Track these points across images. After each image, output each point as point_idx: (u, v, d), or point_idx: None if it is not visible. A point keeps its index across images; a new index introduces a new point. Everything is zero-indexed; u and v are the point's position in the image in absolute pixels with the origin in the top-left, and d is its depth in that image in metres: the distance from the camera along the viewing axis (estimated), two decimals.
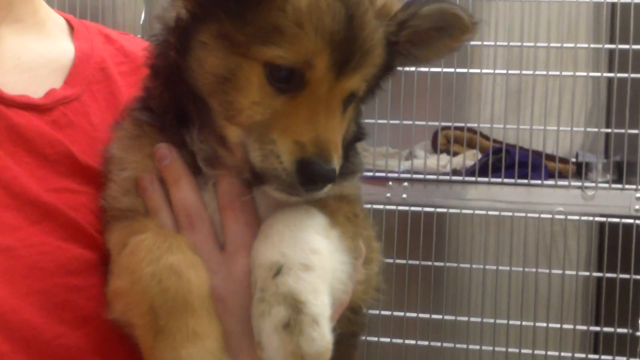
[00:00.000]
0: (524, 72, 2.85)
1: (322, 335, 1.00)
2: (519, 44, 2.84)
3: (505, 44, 2.85)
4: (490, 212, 2.80)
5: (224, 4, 1.10)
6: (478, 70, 2.88)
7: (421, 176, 2.80)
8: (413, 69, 2.74)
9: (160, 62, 1.23)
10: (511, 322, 2.87)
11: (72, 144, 1.27)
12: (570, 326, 2.88)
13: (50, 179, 1.23)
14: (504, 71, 2.86)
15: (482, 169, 2.80)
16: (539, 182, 2.74)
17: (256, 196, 1.20)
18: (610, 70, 2.88)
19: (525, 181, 2.74)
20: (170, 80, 1.20)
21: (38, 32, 1.41)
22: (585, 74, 2.86)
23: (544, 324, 2.87)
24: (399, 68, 1.30)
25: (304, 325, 0.99)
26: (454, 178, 2.80)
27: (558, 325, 2.86)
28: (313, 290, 1.02)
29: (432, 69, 2.81)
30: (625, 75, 2.72)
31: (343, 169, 1.17)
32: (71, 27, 1.48)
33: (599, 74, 2.88)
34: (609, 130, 2.83)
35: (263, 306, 1.02)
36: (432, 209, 2.80)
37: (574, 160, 2.89)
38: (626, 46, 2.73)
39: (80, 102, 1.34)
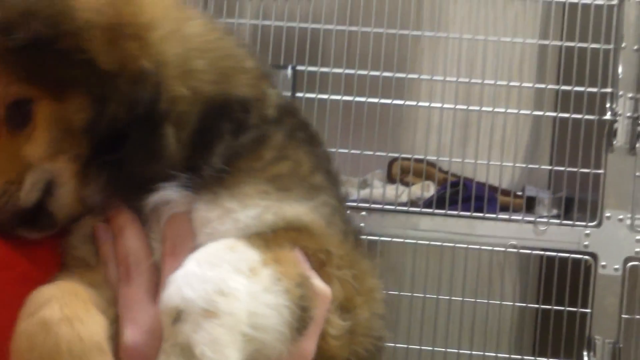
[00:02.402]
0: (470, 107, 2.85)
1: None
2: (467, 80, 2.85)
3: (455, 79, 2.85)
4: (445, 244, 2.77)
5: None
6: (427, 104, 2.86)
7: (379, 206, 2.76)
8: (363, 99, 2.74)
9: None
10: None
11: None
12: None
13: None
14: (452, 106, 2.85)
15: (438, 201, 2.78)
16: (494, 215, 2.74)
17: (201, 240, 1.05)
18: (555, 110, 2.92)
19: (481, 214, 2.73)
20: None
21: None
22: (529, 112, 2.89)
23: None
24: None
25: None
26: (412, 209, 2.77)
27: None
28: (212, 342, 0.85)
29: (383, 101, 2.79)
30: (567, 115, 2.75)
31: (284, 179, 1.07)
32: None
33: (541, 113, 2.89)
34: (549, 167, 2.85)
35: (163, 358, 0.87)
36: (388, 239, 2.75)
37: (519, 193, 2.91)
38: (568, 87, 2.76)
39: None
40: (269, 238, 1.01)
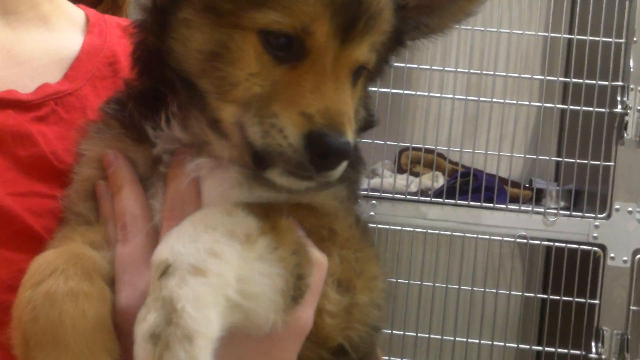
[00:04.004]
0: (481, 98, 2.83)
1: (193, 358, 0.79)
2: (479, 71, 2.82)
3: (466, 71, 2.82)
4: (455, 233, 2.75)
5: None
6: (438, 95, 2.84)
7: (390, 195, 2.74)
8: (375, 89, 2.71)
9: (138, 49, 1.09)
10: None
11: (59, 140, 1.17)
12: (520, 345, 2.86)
13: (19, 183, 1.11)
14: (463, 97, 2.83)
15: (448, 191, 2.77)
16: (503, 206, 2.73)
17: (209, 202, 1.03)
18: (562, 102, 2.90)
19: (490, 205, 2.72)
20: (148, 66, 1.07)
21: (38, 25, 1.30)
22: (540, 104, 2.86)
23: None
24: (411, 42, 1.17)
25: (171, 339, 0.79)
26: (422, 198, 2.75)
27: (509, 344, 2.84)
28: (195, 299, 0.81)
29: (394, 91, 2.77)
30: (578, 107, 2.74)
31: None
32: (88, 22, 1.38)
33: (552, 105, 2.87)
34: (560, 159, 2.83)
35: (144, 311, 0.83)
36: (398, 228, 2.73)
37: (526, 185, 2.90)
38: (580, 80, 2.75)
39: (77, 97, 1.24)
40: (270, 208, 0.98)
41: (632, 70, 2.68)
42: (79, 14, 1.40)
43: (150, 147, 1.07)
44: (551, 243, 2.74)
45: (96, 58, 1.31)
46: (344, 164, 0.95)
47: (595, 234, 2.66)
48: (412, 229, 2.74)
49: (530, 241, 2.72)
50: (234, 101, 0.95)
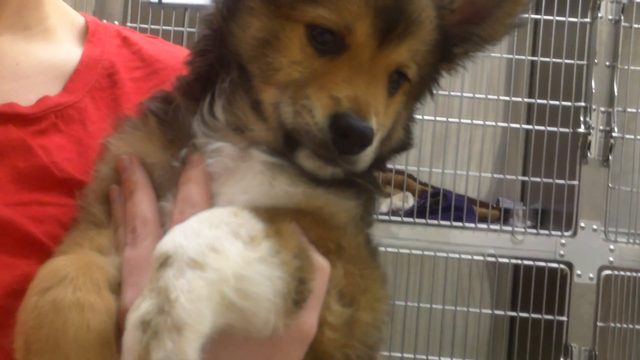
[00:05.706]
0: (449, 119, 2.86)
1: (180, 350, 0.77)
2: (447, 92, 2.85)
3: (434, 92, 2.84)
4: (425, 252, 2.78)
5: None
6: None
7: None
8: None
9: (204, 33, 1.17)
10: None
11: (59, 150, 1.17)
12: None
13: (19, 193, 1.12)
14: (432, 117, 2.87)
15: (418, 211, 2.80)
16: (472, 225, 2.77)
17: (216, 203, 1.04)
18: (526, 123, 2.96)
19: (460, 224, 2.76)
20: (212, 45, 1.14)
21: (46, 38, 1.31)
22: (505, 124, 2.91)
23: None
24: (461, 59, 1.25)
25: (161, 327, 0.78)
26: (393, 218, 2.78)
27: None
28: (190, 291, 0.80)
29: None
30: (542, 128, 2.80)
31: (342, 180, 1.06)
32: (87, 30, 1.38)
33: (518, 126, 2.92)
34: (526, 179, 2.88)
35: (139, 300, 0.82)
36: None
37: (494, 205, 2.94)
38: (544, 101, 2.81)
39: (76, 109, 1.24)
40: (275, 213, 0.98)
41: (594, 91, 2.75)
42: (79, 21, 1.40)
43: (181, 148, 1.09)
44: (519, 261, 2.78)
45: (95, 69, 1.30)
46: (368, 152, 1.02)
47: (561, 252, 2.71)
48: (383, 249, 2.74)
49: (499, 259, 2.76)
50: (275, 84, 1.05)
